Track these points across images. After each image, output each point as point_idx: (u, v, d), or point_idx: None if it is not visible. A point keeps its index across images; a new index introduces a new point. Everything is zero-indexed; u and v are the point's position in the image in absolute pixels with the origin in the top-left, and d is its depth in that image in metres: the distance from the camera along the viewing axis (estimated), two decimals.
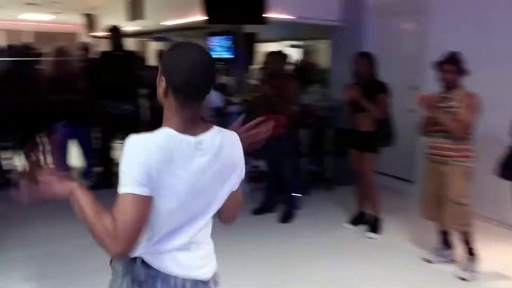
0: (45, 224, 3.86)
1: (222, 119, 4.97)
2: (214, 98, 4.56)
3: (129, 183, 1.17)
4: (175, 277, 1.32)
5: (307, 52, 8.16)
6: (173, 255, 1.32)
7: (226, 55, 7.70)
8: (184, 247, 1.34)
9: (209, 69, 1.27)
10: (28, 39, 14.53)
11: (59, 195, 1.26)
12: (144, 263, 1.31)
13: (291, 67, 6.30)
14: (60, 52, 4.76)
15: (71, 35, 15.35)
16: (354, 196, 4.00)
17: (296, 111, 4.26)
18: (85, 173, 5.00)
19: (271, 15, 4.98)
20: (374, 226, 3.79)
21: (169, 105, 1.26)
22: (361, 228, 3.89)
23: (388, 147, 3.74)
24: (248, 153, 4.64)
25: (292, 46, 7.95)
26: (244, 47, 7.60)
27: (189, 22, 6.78)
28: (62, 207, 3.55)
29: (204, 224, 1.39)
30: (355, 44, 5.39)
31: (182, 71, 1.21)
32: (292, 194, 4.19)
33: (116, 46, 4.82)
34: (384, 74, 3.75)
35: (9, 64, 4.94)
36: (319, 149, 5.13)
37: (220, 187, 1.36)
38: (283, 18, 5.26)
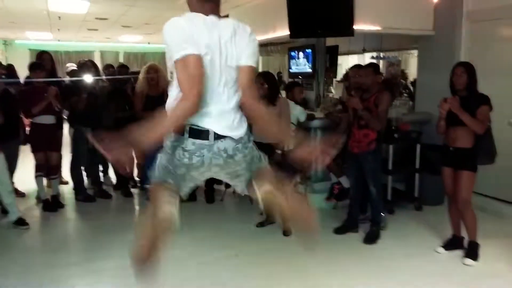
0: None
1: (304, 133, 4.92)
2: (296, 112, 4.51)
3: (179, 49, 1.61)
4: (216, 142, 1.69)
5: (391, 64, 7.85)
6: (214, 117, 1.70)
7: (307, 68, 7.68)
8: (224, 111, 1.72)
9: None
10: (120, 59, 15.77)
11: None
12: (191, 134, 1.68)
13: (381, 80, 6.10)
14: (152, 70, 5.00)
15: (161, 54, 16.41)
16: (448, 218, 3.69)
17: (383, 125, 4.07)
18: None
19: (357, 26, 4.85)
20: (470, 251, 3.45)
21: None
22: (456, 253, 3.57)
23: (487, 164, 3.42)
24: (331, 170, 4.51)
25: (375, 57, 7.69)
26: (325, 60, 7.52)
27: (274, 38, 6.87)
28: None
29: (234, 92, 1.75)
30: (446, 53, 5.07)
31: None
32: (378, 213, 3.97)
33: None
34: (480, 85, 3.45)
35: (106, 83, 5.34)
36: (406, 166, 4.85)
37: (237, 56, 1.72)
38: (370, 30, 5.08)
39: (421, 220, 4.39)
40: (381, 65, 7.98)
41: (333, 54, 7.76)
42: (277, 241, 3.91)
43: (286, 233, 4.03)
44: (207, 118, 1.70)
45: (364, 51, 7.81)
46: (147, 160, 4.97)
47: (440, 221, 4.06)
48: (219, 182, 5.17)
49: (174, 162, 1.74)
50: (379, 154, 3.94)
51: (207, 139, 1.68)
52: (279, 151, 4.01)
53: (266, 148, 4.01)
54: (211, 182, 5.11)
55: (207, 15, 1.71)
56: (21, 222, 4.17)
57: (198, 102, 1.63)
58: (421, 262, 3.47)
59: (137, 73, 5.29)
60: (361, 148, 3.81)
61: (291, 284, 3.12)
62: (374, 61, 8.22)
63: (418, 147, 4.68)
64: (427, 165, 4.66)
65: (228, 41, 1.71)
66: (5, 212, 4.27)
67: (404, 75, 7.34)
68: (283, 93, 5.21)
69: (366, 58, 7.70)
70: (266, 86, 4.01)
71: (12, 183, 4.65)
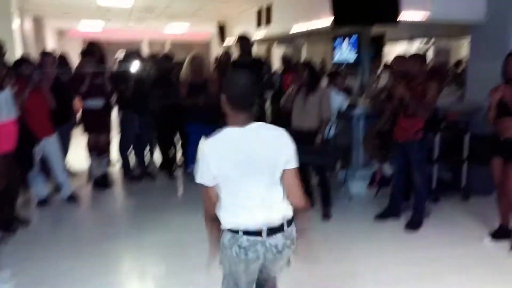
0: (180, 214, 4.20)
1: (345, 121, 4.88)
2: (337, 100, 4.47)
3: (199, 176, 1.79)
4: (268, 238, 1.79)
5: (439, 51, 7.57)
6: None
7: (352, 57, 7.55)
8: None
9: (248, 91, 1.80)
10: (166, 48, 16.17)
11: None
12: (245, 233, 1.77)
13: (428, 69, 5.90)
14: (196, 59, 5.09)
15: (205, 44, 16.64)
16: (497, 208, 3.56)
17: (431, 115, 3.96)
18: None
19: (404, 15, 4.71)
20: None
21: (227, 112, 1.82)
22: (502, 244, 3.44)
23: None
24: (374, 157, 4.45)
25: (423, 45, 7.44)
26: (370, 48, 7.36)
27: (316, 26, 6.81)
28: (194, 199, 3.81)
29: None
30: (498, 42, 4.83)
31: (230, 91, 1.81)
32: (421, 201, 3.88)
33: (245, 52, 5.04)
34: None
35: (153, 71, 5.52)
36: (453, 156, 4.70)
37: (268, 158, 1.79)
38: (417, 19, 4.92)
39: (467, 210, 4.25)
40: (429, 53, 7.74)
41: (379, 42, 7.58)
42: (315, 225, 3.91)
43: (325, 217, 4.04)
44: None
45: (412, 38, 7.57)
46: (190, 145, 5.12)
47: (488, 211, 3.92)
48: None
49: (232, 259, 1.83)
50: (426, 144, 3.85)
51: (260, 235, 1.79)
52: (319, 139, 4.00)
53: (307, 135, 4.04)
54: None
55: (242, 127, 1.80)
56: (73, 199, 4.44)
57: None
58: (464, 252, 3.38)
59: (182, 62, 5.42)
60: (408, 137, 3.73)
61: (330, 267, 3.13)
62: (422, 48, 7.98)
63: (467, 136, 4.52)
64: (476, 155, 4.50)
65: (264, 146, 1.80)
66: (58, 189, 4.56)
67: (459, 63, 7.04)
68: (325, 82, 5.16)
69: (414, 46, 7.47)
70: (307, 74, 4.01)
71: (65, 163, 4.96)
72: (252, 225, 1.77)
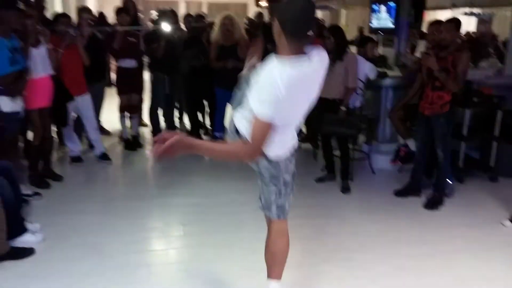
0: (205, 178, 4.33)
1: (374, 91, 4.79)
2: (366, 69, 4.37)
3: (266, 109, 1.67)
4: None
5: (483, 21, 7.16)
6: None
7: (390, 24, 7.27)
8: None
9: (308, 14, 1.71)
10: (203, 9, 16.03)
11: (181, 153, 1.68)
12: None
13: (463, 38, 5.63)
14: (227, 20, 5.03)
15: (243, 6, 16.38)
16: None
17: (462, 88, 3.82)
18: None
19: None
20: None
21: (281, 41, 1.72)
22: None
23: None
24: (399, 132, 4.38)
25: (467, 14, 7.05)
26: (410, 15, 7.05)
27: None
28: (221, 166, 3.87)
29: None
30: None
31: (289, 15, 1.68)
32: (444, 179, 3.83)
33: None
34: None
35: (184, 32, 5.54)
36: (483, 133, 4.55)
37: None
38: None
39: (493, 191, 4.15)
40: (472, 22, 7.34)
41: (419, 8, 7.24)
42: (334, 197, 3.97)
43: (344, 190, 4.07)
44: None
45: (454, 6, 7.17)
46: (217, 111, 5.18)
47: None
48: None
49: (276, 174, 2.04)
50: (452, 118, 3.73)
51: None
52: (344, 108, 3.97)
53: (331, 104, 4.01)
54: None
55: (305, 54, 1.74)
56: (105, 157, 4.66)
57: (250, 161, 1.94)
58: (482, 233, 3.34)
59: (214, 23, 5.37)
60: (434, 110, 3.63)
61: (344, 238, 3.19)
62: (466, 17, 7.57)
63: (500, 113, 4.35)
64: (508, 134, 4.34)
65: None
66: (91, 146, 4.78)
67: (494, 35, 6.67)
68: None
69: (457, 14, 7.09)
70: (333, 40, 3.91)
71: (99, 121, 5.16)
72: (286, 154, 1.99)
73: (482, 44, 6.32)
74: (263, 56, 1.94)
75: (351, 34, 10.57)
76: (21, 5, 3.50)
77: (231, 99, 2.08)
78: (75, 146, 4.54)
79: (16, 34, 3.35)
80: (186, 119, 5.96)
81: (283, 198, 2.12)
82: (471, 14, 7.29)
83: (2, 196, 2.72)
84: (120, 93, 5.05)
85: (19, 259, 2.76)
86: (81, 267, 2.71)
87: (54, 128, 4.27)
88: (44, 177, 3.95)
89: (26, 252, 2.82)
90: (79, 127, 4.64)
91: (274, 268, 2.18)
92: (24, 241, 2.90)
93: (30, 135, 4.04)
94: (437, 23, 3.98)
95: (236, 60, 4.82)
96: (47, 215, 3.36)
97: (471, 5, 6.96)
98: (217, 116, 5.23)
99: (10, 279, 2.58)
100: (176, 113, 5.85)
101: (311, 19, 1.74)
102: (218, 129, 5.29)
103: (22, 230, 2.94)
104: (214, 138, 5.39)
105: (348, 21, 10.51)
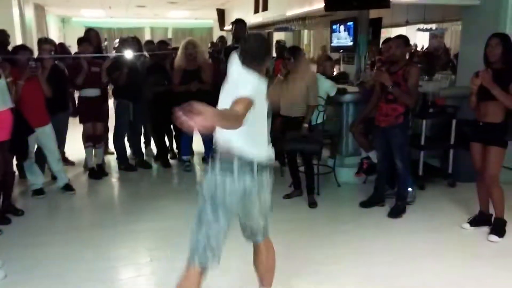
0: (172, 202, 4.32)
1: (335, 107, 4.92)
2: (326, 86, 4.51)
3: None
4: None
5: (436, 36, 7.53)
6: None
7: (348, 42, 7.54)
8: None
9: (261, 50, 2.09)
10: (169, 35, 16.17)
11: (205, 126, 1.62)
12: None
13: (413, 53, 5.89)
14: (190, 45, 5.09)
15: (208, 30, 16.59)
16: (477, 194, 3.63)
17: (416, 100, 3.99)
18: (205, 158, 5.39)
19: None
20: (496, 227, 3.40)
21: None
22: (482, 229, 3.51)
23: None
24: (361, 145, 4.49)
25: (420, 29, 7.40)
26: (368, 33, 7.33)
27: (311, 11, 6.79)
28: (188, 188, 3.82)
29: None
30: (491, 25, 4.80)
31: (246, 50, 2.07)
32: (405, 188, 3.96)
33: (239, 38, 5.07)
34: None
35: (147, 58, 5.58)
36: (439, 142, 4.74)
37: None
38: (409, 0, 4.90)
39: (452, 196, 4.32)
40: (426, 38, 7.69)
41: (376, 27, 7.56)
42: (302, 212, 4.02)
43: (311, 205, 4.13)
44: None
45: (407, 23, 7.53)
46: (183, 135, 5.20)
47: (473, 198, 3.94)
48: None
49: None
50: (407, 128, 3.90)
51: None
52: (306, 125, 4.06)
53: (293, 122, 4.11)
54: None
55: None
56: (68, 188, 4.57)
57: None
58: (444, 237, 3.47)
59: (177, 48, 5.44)
60: (389, 122, 3.78)
61: (311, 251, 3.23)
62: (420, 33, 7.93)
63: (454, 122, 4.55)
64: (463, 141, 4.53)
65: None
66: (54, 178, 4.69)
67: (445, 48, 7.02)
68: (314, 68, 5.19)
69: (410, 31, 7.43)
70: (293, 61, 4.03)
71: (63, 152, 5.08)
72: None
73: (435, 57, 6.63)
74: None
75: (314, 53, 10.86)
76: None
77: None
78: (36, 179, 4.43)
79: None
80: (152, 145, 5.94)
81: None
82: (424, 30, 7.64)
83: None
84: (83, 122, 5.01)
85: None
86: None
87: (14, 161, 4.18)
88: (4, 213, 3.84)
89: None
90: (41, 159, 4.56)
91: (268, 277, 2.44)
92: None
93: None
94: (388, 40, 4.18)
95: (200, 83, 4.89)
96: (8, 251, 3.24)
97: (424, 21, 7.32)
98: (183, 140, 5.25)
99: None
100: (142, 139, 5.82)
101: (263, 53, 2.12)
102: (185, 153, 5.31)
103: None
104: (182, 162, 5.40)
105: (311, 41, 10.82)
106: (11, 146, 3.83)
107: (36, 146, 4.40)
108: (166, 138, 5.70)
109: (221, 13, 12.30)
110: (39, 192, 4.42)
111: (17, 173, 4.48)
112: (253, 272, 2.45)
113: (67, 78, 4.92)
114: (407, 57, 3.94)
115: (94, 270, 3.00)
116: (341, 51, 8.17)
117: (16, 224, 3.78)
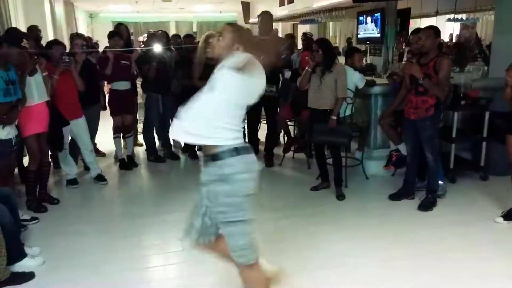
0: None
1: (363, 100, 4.87)
2: (355, 78, 4.46)
3: None
4: None
5: (467, 26, 7.32)
6: None
7: (375, 33, 7.43)
8: None
9: None
10: (194, 29, 16.27)
11: None
12: None
13: (444, 44, 5.76)
14: (209, 39, 5.10)
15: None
16: (511, 187, 3.54)
17: (447, 92, 3.91)
18: None
19: None
20: None
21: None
22: None
23: None
24: (390, 138, 4.46)
25: (451, 20, 7.21)
26: (396, 24, 7.21)
27: (338, 2, 6.73)
28: None
29: None
30: None
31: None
32: (435, 181, 3.90)
33: (265, 30, 5.07)
34: None
35: (174, 52, 5.65)
36: (471, 134, 4.64)
37: None
38: None
39: (484, 190, 4.23)
40: (456, 28, 7.50)
41: (404, 18, 7.42)
42: (329, 204, 4.02)
43: (339, 197, 4.12)
44: None
45: (437, 13, 7.35)
46: None
47: (506, 191, 3.87)
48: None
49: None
50: (438, 121, 3.83)
51: None
52: (333, 117, 4.04)
53: (322, 114, 4.09)
54: (272, 147, 5.29)
55: None
56: (100, 178, 4.71)
57: None
58: (475, 231, 3.40)
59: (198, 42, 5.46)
60: (419, 115, 3.72)
61: (338, 244, 3.23)
62: (450, 23, 7.73)
63: (487, 114, 4.44)
64: (496, 134, 4.43)
65: None
66: (87, 169, 4.84)
67: (477, 39, 6.82)
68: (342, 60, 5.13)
69: (440, 21, 7.26)
70: (321, 52, 4.01)
71: (94, 144, 5.22)
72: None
73: (467, 48, 6.46)
74: None
75: (339, 45, 10.74)
76: (25, 42, 3.58)
77: None
78: (71, 169, 4.58)
79: (14, 65, 3.44)
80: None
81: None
82: (455, 20, 7.45)
83: (2, 222, 2.75)
84: (113, 114, 5.12)
85: (19, 283, 2.77)
86: None
87: (49, 152, 4.32)
88: (41, 202, 3.99)
89: (26, 277, 2.84)
90: (74, 150, 4.70)
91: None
92: (24, 265, 2.91)
93: (25, 161, 4.09)
94: (418, 31, 4.10)
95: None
96: (45, 239, 3.38)
97: (455, 11, 7.13)
98: None
99: None
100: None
101: None
102: None
103: (22, 255, 2.96)
104: None
105: (336, 33, 10.70)
106: (48, 138, 3.98)
107: (69, 138, 4.53)
108: None
109: (246, 6, 12.29)
110: (73, 182, 4.57)
111: (53, 163, 4.64)
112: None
113: (98, 72, 5.03)
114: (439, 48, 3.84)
115: (127, 259, 3.09)
116: (367, 42, 8.07)
117: (52, 212, 3.92)
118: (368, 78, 4.94)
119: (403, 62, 6.62)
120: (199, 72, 4.92)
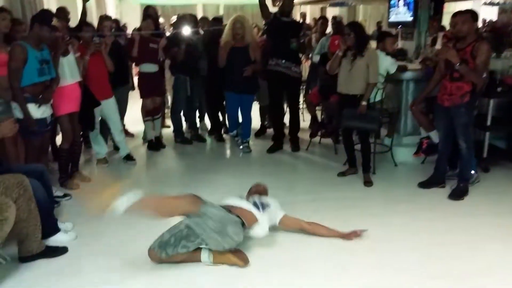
0: (228, 176, 4.44)
1: (394, 85, 4.77)
2: (386, 63, 4.36)
3: None
4: None
5: (504, 11, 7.01)
6: None
7: (408, 17, 7.21)
8: None
9: None
10: (220, 12, 16.19)
11: None
12: None
13: (481, 29, 5.55)
14: (238, 22, 5.02)
15: (257, 7, 16.40)
16: None
17: (484, 78, 3.77)
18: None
19: None
20: None
21: None
22: None
23: None
24: (421, 124, 4.36)
25: (487, 3, 6.92)
26: (429, 7, 6.97)
27: None
28: (242, 165, 3.85)
29: None
30: None
31: None
32: (468, 169, 3.80)
33: (284, 12, 4.99)
34: None
35: (203, 35, 5.64)
36: (507, 123, 4.48)
37: None
38: None
39: None
40: (494, 12, 7.20)
41: (438, 1, 7.15)
42: (357, 190, 3.98)
43: (367, 183, 4.07)
44: None
45: None
46: (228, 113, 5.27)
47: None
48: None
49: None
50: (473, 108, 3.71)
51: None
52: (364, 103, 3.97)
53: (351, 99, 4.02)
54: (296, 131, 5.25)
55: None
56: (130, 158, 4.79)
57: None
58: (507, 222, 3.30)
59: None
60: (453, 101, 3.61)
61: (366, 231, 3.19)
62: (487, 7, 7.44)
63: None
64: None
65: None
66: (116, 148, 4.93)
67: None
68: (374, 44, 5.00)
69: (477, 5, 6.98)
70: (353, 36, 3.92)
71: (123, 125, 5.30)
72: None
73: (504, 33, 6.20)
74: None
75: (369, 29, 10.51)
76: (55, 21, 3.65)
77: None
78: (101, 149, 4.68)
79: (47, 46, 3.51)
80: (207, 120, 6.06)
81: None
82: (492, 4, 7.15)
83: (37, 197, 2.83)
84: (143, 96, 5.18)
85: (53, 257, 2.86)
86: (112, 263, 2.80)
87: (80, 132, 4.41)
88: (73, 179, 4.09)
89: (59, 251, 2.93)
90: (104, 130, 4.78)
91: None
92: (57, 240, 3.01)
93: (58, 139, 4.18)
94: (457, 14, 3.94)
95: (247, 62, 4.83)
96: (77, 215, 3.45)
97: None
98: (230, 118, 5.29)
99: (44, 275, 2.68)
100: (197, 114, 5.95)
101: None
102: (232, 129, 5.31)
103: (55, 229, 3.05)
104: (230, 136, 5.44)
105: (366, 16, 10.45)
106: (79, 117, 4.06)
107: (100, 118, 4.61)
108: (220, 113, 5.79)
109: None
110: (103, 161, 4.67)
111: (84, 143, 4.75)
112: (237, 270, 2.57)
113: (126, 53, 5.08)
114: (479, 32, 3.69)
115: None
116: (399, 26, 7.84)
117: (84, 190, 4.01)
118: (400, 63, 4.81)
119: (436, 47, 6.42)
120: (224, 55, 4.95)
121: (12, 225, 2.48)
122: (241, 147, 5.14)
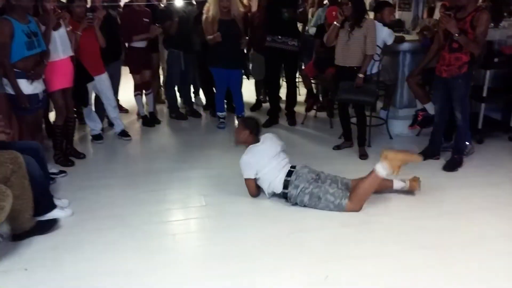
0: (221, 151, 4.44)
1: (391, 57, 4.71)
2: (384, 34, 4.28)
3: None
4: None
5: None
6: None
7: None
8: None
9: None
10: None
11: None
12: None
13: None
14: None
15: None
16: None
17: (484, 51, 3.72)
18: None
19: None
20: None
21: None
22: None
23: None
24: (417, 96, 4.34)
25: None
26: None
27: None
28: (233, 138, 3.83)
29: None
30: None
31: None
32: (463, 141, 3.80)
33: None
34: None
35: (194, 7, 5.51)
36: (503, 94, 4.46)
37: None
38: None
39: None
40: None
41: None
42: (352, 164, 3.98)
43: (362, 156, 4.08)
44: None
45: None
46: (217, 90, 5.19)
47: None
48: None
49: None
50: (471, 79, 3.68)
51: None
52: (360, 75, 3.92)
53: (348, 72, 3.98)
54: (293, 105, 5.22)
55: None
56: (124, 134, 4.77)
57: None
58: (503, 193, 3.33)
59: None
60: (451, 72, 3.57)
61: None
62: None
63: None
64: None
65: None
66: (111, 125, 4.89)
67: None
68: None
69: None
70: (351, 5, 3.83)
71: (117, 100, 5.24)
72: None
73: (503, 2, 6.08)
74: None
75: None
76: None
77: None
78: (95, 125, 4.64)
79: (37, 19, 3.41)
80: (201, 95, 6.00)
81: None
82: None
83: (32, 174, 2.81)
84: (133, 72, 5.09)
85: (46, 232, 2.85)
86: (108, 238, 2.83)
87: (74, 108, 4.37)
88: (68, 156, 4.08)
89: (51, 224, 2.91)
90: (98, 106, 4.74)
91: None
92: (54, 216, 3.00)
93: (52, 116, 4.14)
94: None
95: (237, 35, 4.76)
96: (73, 191, 3.47)
97: None
98: (217, 96, 5.17)
99: (42, 251, 2.70)
100: (191, 89, 5.89)
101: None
102: (219, 109, 5.16)
103: (51, 206, 3.05)
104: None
105: None
106: (73, 93, 4.01)
107: (94, 94, 4.56)
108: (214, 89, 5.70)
109: None
110: (98, 137, 4.65)
111: (78, 119, 4.70)
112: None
113: (119, 26, 4.97)
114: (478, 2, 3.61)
115: (152, 212, 3.17)
116: None
117: (79, 166, 4.02)
118: (397, 34, 4.73)
119: (434, 18, 6.32)
120: (211, 29, 4.81)
121: (8, 213, 2.47)
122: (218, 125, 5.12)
